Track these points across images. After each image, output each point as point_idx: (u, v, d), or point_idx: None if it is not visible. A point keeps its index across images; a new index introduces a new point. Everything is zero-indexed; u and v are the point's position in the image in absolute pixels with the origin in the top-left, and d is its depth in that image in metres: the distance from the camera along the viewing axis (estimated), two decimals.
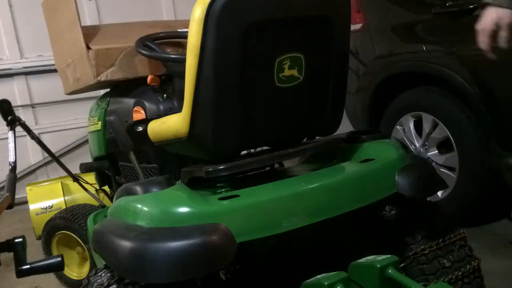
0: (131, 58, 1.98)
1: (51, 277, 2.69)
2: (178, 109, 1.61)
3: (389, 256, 1.31)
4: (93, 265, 2.30)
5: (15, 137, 2.27)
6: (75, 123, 4.87)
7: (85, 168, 2.20)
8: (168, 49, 2.00)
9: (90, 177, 2.66)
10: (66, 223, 2.45)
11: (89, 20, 4.77)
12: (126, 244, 1.20)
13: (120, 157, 2.12)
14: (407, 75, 2.90)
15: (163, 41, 2.04)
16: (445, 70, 2.61)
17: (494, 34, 1.52)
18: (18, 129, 2.36)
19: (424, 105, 2.81)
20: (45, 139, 4.48)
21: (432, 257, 1.55)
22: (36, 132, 2.91)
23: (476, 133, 2.56)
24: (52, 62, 2.48)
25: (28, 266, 1.44)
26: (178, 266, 1.17)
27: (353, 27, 3.15)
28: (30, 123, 3.66)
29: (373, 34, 3.12)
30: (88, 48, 1.93)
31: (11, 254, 1.47)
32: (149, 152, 1.93)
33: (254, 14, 1.35)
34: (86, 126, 2.33)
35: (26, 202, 3.43)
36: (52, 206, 3.32)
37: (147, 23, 2.34)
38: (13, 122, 2.29)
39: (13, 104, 2.36)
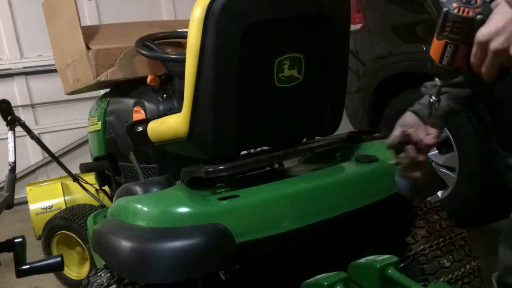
0: (131, 58, 1.98)
1: (51, 277, 2.69)
2: (178, 109, 1.61)
3: (389, 256, 1.31)
4: (93, 265, 2.30)
5: (14, 137, 2.27)
6: (75, 123, 4.87)
7: (85, 168, 2.20)
8: (168, 49, 2.00)
9: (90, 177, 2.66)
10: (66, 223, 2.46)
11: (89, 20, 4.77)
12: (126, 244, 1.20)
13: (120, 157, 2.12)
14: (407, 75, 2.90)
15: (163, 41, 2.04)
16: None
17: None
18: (18, 129, 2.36)
19: None
20: (45, 139, 4.49)
21: (432, 257, 1.54)
22: (36, 132, 2.91)
23: (476, 133, 2.55)
24: (52, 62, 2.48)
25: (28, 266, 1.44)
26: (178, 266, 1.18)
27: (353, 27, 3.14)
28: (30, 123, 3.67)
29: (373, 34, 3.11)
30: (88, 48, 1.93)
31: (11, 254, 1.47)
32: (149, 152, 1.93)
33: (253, 14, 1.35)
34: (86, 126, 2.33)
35: (26, 202, 3.43)
36: (52, 206, 3.32)
37: (147, 23, 2.34)
38: (13, 122, 2.29)
39: (13, 104, 2.36)
